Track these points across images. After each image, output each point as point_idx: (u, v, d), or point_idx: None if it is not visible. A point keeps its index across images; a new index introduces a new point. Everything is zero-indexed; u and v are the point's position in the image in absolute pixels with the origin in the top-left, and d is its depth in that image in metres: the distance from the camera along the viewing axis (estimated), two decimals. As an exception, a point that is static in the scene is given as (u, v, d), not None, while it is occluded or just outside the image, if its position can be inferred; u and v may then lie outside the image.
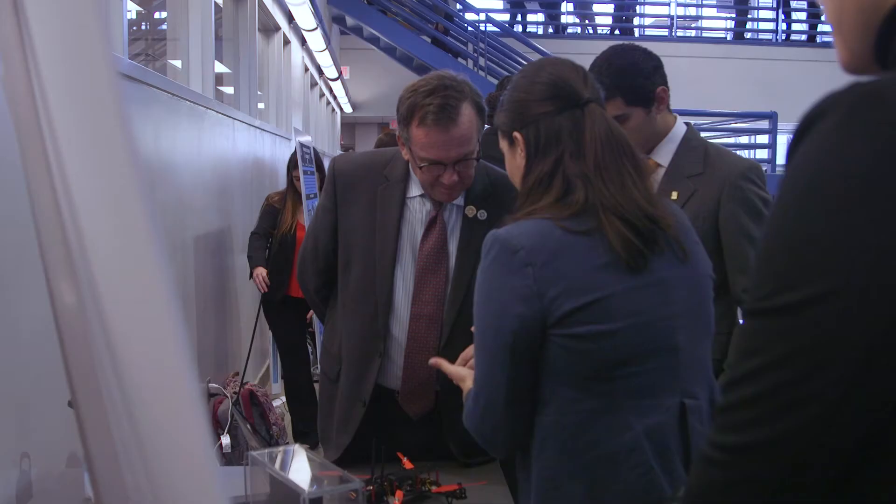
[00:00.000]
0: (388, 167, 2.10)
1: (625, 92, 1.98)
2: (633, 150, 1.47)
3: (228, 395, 4.26)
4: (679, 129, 2.10)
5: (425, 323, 2.04)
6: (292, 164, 4.86)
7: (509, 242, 1.39)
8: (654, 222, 1.41)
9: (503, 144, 1.56)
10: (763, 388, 0.67)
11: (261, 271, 4.64)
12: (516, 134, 1.50)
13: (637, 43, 2.17)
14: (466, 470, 2.08)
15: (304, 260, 2.26)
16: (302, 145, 4.86)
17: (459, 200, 2.06)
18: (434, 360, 1.78)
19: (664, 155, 2.07)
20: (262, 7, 6.47)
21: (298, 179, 4.73)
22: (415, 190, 2.07)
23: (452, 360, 2.02)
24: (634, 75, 2.01)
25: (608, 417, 1.37)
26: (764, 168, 2.15)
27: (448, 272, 2.04)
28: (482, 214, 2.03)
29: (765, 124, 10.54)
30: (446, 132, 1.89)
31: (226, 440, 3.97)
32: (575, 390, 1.38)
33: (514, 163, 1.53)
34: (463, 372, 1.65)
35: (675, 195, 1.98)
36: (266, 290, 4.65)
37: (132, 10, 6.36)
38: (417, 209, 2.07)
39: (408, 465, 1.98)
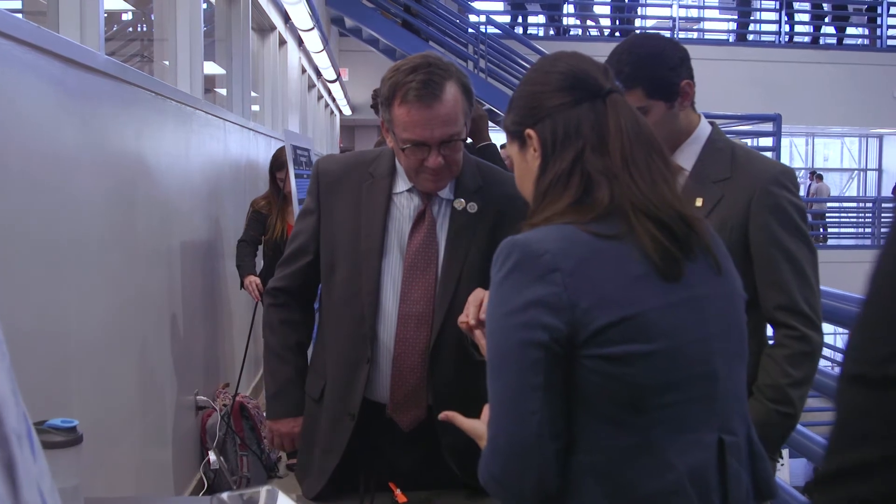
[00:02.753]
0: (373, 164, 1.99)
1: (645, 83, 1.81)
2: (662, 146, 1.31)
3: (217, 407, 4.10)
4: (704, 128, 1.92)
5: (414, 323, 1.90)
6: (275, 164, 4.67)
7: (531, 246, 1.21)
8: (688, 225, 1.25)
9: (512, 148, 1.39)
10: (883, 489, 0.49)
11: (253, 279, 4.47)
12: (529, 131, 1.32)
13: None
14: (466, 502, 1.91)
15: (281, 262, 2.11)
16: (296, 148, 4.67)
17: (448, 194, 1.94)
18: (445, 415, 1.54)
19: (688, 157, 1.90)
20: (256, 5, 6.31)
21: (283, 181, 4.54)
22: (402, 185, 1.95)
23: (442, 362, 1.91)
24: (657, 65, 1.83)
25: (646, 456, 1.19)
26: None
27: (438, 269, 1.91)
28: (472, 207, 1.92)
29: (768, 127, 10.37)
30: (429, 109, 1.79)
31: (213, 456, 3.80)
32: (607, 424, 1.19)
33: (526, 166, 1.36)
34: (480, 429, 1.40)
35: (699, 202, 1.80)
36: (260, 299, 4.46)
37: (128, 10, 6.19)
38: (405, 205, 1.95)
39: (401, 498, 1.81)
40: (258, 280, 4.45)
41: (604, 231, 1.21)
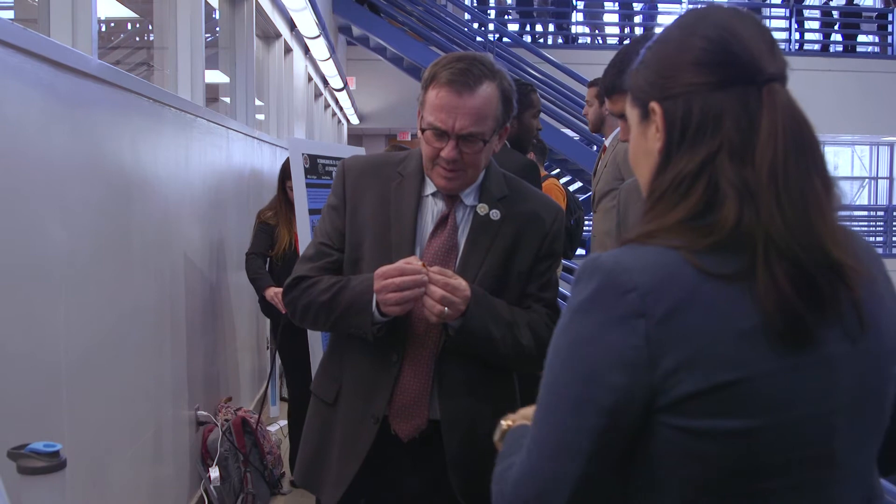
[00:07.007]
0: (401, 164, 1.96)
1: None
2: (825, 161, 1.00)
3: (219, 423, 3.99)
4: None
5: (423, 327, 1.85)
6: (285, 173, 4.44)
7: (617, 276, 0.96)
8: (838, 275, 0.95)
9: (631, 114, 1.12)
10: None
11: (277, 290, 4.28)
12: (654, 105, 1.05)
13: None
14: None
15: (304, 258, 2.02)
16: (315, 157, 4.41)
17: (473, 200, 1.91)
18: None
19: None
20: (261, 12, 6.23)
21: (293, 189, 4.37)
22: (429, 188, 1.93)
23: (450, 369, 1.86)
24: None
25: None
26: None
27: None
28: (495, 214, 1.89)
29: (780, 135, 10.30)
30: (458, 96, 1.78)
31: (214, 473, 3.70)
32: None
33: (644, 145, 1.08)
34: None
35: None
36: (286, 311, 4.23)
37: (135, 20, 6.13)
38: (430, 208, 1.92)
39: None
40: (280, 290, 4.24)
41: (716, 268, 0.94)
